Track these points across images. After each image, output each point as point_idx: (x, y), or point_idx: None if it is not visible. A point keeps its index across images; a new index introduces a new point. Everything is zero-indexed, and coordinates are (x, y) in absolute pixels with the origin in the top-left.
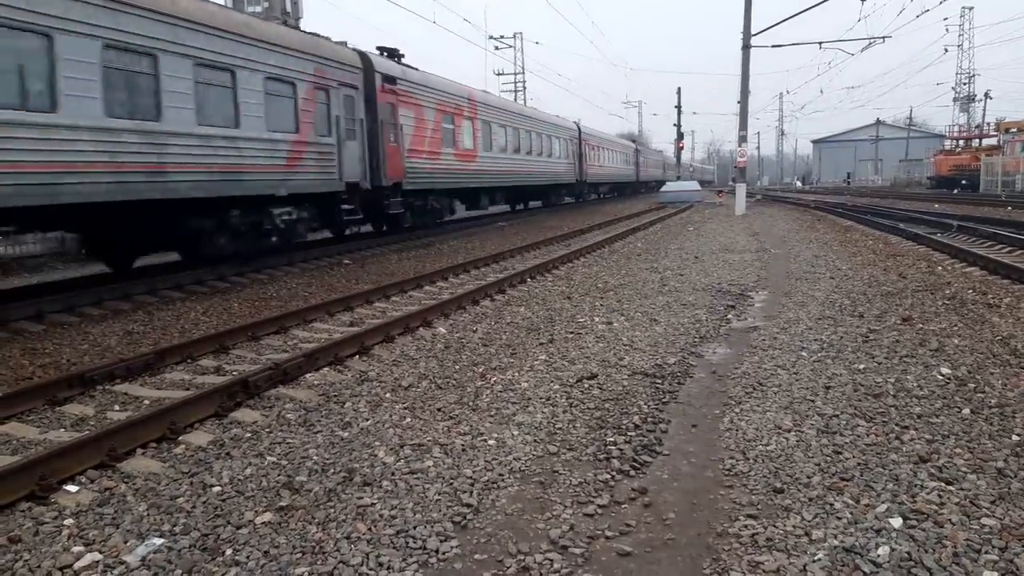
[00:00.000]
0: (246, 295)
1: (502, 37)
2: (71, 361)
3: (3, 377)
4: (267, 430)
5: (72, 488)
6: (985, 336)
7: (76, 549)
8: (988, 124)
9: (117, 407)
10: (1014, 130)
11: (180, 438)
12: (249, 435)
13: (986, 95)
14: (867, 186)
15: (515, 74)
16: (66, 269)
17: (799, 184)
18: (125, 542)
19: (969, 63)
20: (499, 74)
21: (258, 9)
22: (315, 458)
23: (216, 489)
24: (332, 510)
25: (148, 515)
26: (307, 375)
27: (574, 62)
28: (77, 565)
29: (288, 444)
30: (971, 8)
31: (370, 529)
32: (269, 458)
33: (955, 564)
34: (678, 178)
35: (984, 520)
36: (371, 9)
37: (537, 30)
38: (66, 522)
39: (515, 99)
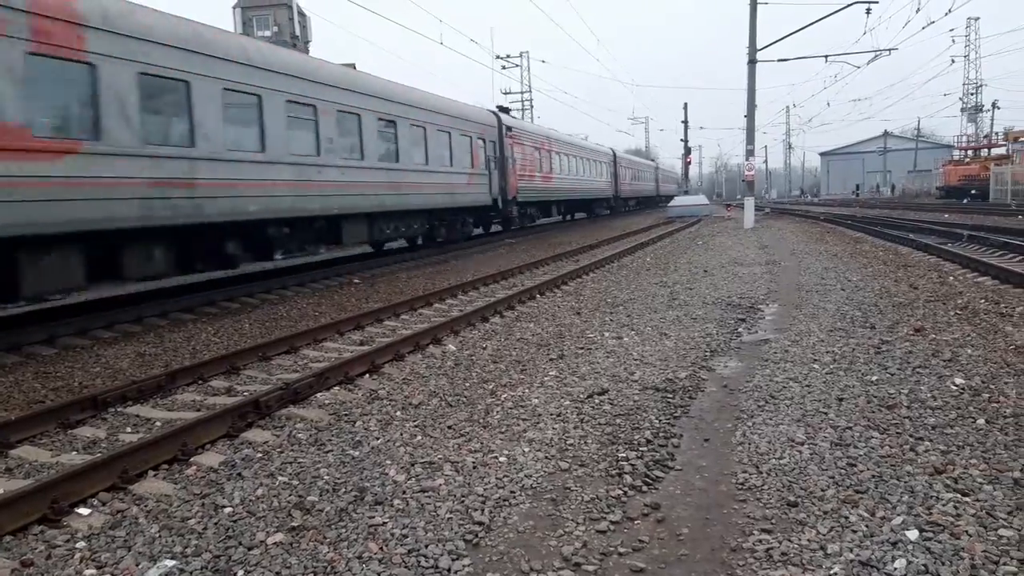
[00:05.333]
0: (257, 316)
1: (508, 56)
2: (83, 384)
3: (16, 401)
4: (278, 450)
5: (84, 511)
6: (998, 345)
7: (88, 572)
8: (996, 134)
9: (129, 429)
10: (1023, 139)
11: (192, 459)
12: (260, 455)
13: (994, 105)
14: (876, 197)
15: (522, 93)
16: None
17: (808, 197)
18: (137, 564)
19: (976, 73)
20: (506, 93)
21: (267, 33)
22: (326, 477)
23: (228, 510)
24: (344, 530)
25: (160, 537)
26: (318, 394)
27: (580, 80)
28: None
29: (299, 464)
30: (977, 19)
31: (382, 548)
32: (280, 478)
33: None
34: (685, 192)
35: (1002, 531)
36: (380, 32)
37: (543, 49)
38: (78, 545)
39: (522, 117)
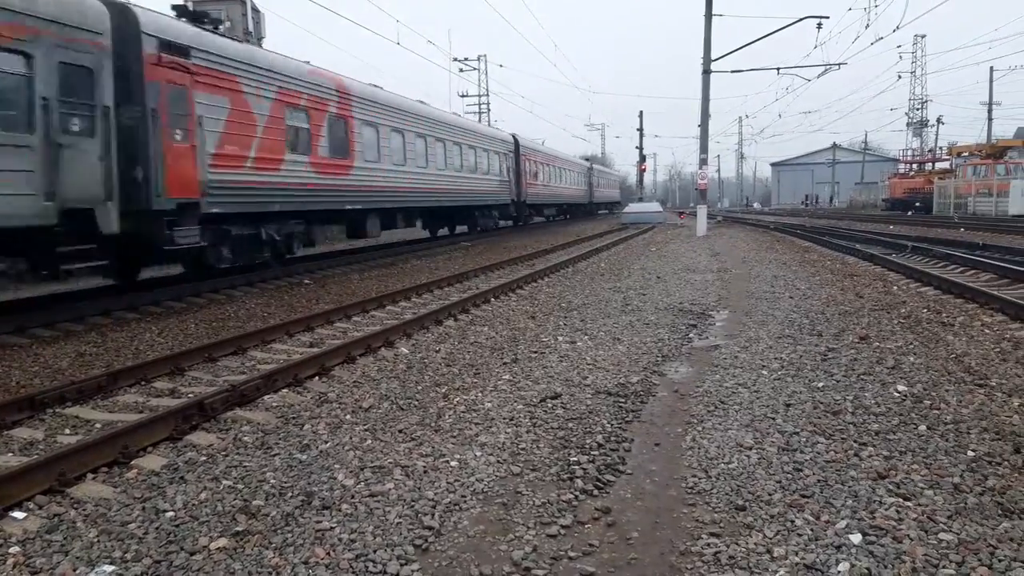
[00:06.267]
0: (203, 316)
1: (466, 59)
2: (20, 384)
3: None
4: (223, 453)
5: (19, 515)
6: (940, 354)
7: None
8: (940, 148)
9: (68, 431)
10: (966, 154)
11: (133, 462)
12: (204, 459)
13: (938, 120)
14: (820, 208)
15: (479, 96)
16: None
17: (757, 206)
18: (74, 570)
19: (922, 89)
20: (463, 96)
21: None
22: (273, 481)
23: (169, 514)
24: (290, 535)
25: (99, 542)
26: (265, 397)
27: (537, 85)
28: None
29: (245, 468)
30: (923, 36)
31: (328, 554)
32: (225, 482)
33: None
34: (640, 199)
35: (942, 535)
36: (336, 31)
37: (501, 53)
38: (12, 550)
39: (479, 120)
